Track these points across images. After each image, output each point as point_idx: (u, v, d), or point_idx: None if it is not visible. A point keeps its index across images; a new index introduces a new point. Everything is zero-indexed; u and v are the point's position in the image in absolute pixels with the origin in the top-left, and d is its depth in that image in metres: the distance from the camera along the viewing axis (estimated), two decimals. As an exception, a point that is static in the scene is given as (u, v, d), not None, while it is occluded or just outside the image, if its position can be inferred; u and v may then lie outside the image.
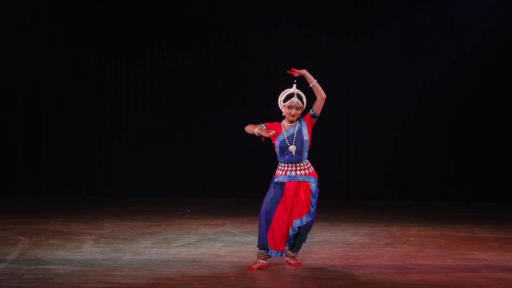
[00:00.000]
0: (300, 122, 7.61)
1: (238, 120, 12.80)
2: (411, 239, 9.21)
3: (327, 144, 12.86)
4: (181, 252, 8.29)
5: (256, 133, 7.52)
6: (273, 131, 7.48)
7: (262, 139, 7.59)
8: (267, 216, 7.47)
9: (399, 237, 9.33)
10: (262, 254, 7.52)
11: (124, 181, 13.10)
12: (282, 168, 7.60)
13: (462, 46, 12.62)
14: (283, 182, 7.56)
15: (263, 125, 7.57)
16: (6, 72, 13.11)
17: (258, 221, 7.58)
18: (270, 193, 7.57)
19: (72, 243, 8.73)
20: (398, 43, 12.73)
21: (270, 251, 7.49)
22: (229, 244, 8.80)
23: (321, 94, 7.61)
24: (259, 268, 7.48)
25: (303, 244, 7.79)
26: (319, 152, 12.88)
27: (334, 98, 12.85)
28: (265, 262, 7.52)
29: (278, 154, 7.63)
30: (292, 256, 7.70)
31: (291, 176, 7.55)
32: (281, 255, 7.56)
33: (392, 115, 12.79)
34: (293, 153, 7.54)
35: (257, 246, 7.56)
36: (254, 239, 9.01)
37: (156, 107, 13.09)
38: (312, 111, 7.61)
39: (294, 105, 7.56)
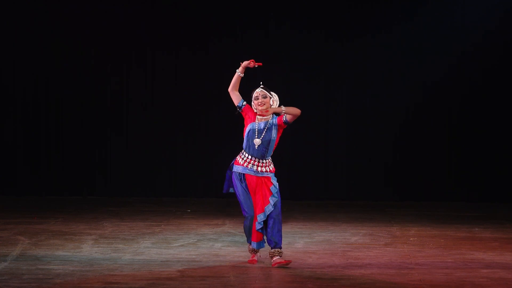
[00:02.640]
0: (272, 119, 7.66)
1: (238, 120, 12.79)
2: (411, 239, 9.21)
3: (327, 144, 12.86)
4: (181, 252, 8.28)
5: (239, 72, 7.66)
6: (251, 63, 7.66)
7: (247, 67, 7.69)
8: (252, 215, 7.59)
9: (399, 237, 9.33)
10: (253, 250, 7.67)
11: (124, 181, 13.10)
12: (244, 159, 7.62)
13: (462, 46, 12.62)
14: (242, 173, 7.59)
15: (243, 102, 7.68)
16: (6, 72, 13.11)
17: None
18: (239, 192, 7.62)
19: (72, 243, 8.73)
20: (398, 43, 12.74)
21: (253, 244, 7.61)
22: (229, 244, 8.80)
23: (295, 114, 7.58)
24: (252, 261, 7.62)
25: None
26: (319, 152, 12.88)
27: (334, 98, 12.89)
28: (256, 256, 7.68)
29: (244, 141, 7.67)
30: (278, 255, 7.61)
31: (251, 170, 7.58)
32: (263, 245, 7.62)
33: (392, 115, 12.79)
34: (256, 146, 7.57)
35: (248, 242, 7.73)
36: (254, 239, 9.01)
37: (156, 107, 13.09)
38: (285, 118, 7.61)
39: (260, 93, 7.66)
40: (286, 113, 7.60)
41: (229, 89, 7.78)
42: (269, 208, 7.54)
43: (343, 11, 12.79)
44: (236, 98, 7.75)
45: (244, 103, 7.73)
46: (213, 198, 12.90)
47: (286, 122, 7.65)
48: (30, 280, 6.90)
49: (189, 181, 13.07)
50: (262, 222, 7.54)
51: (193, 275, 7.14)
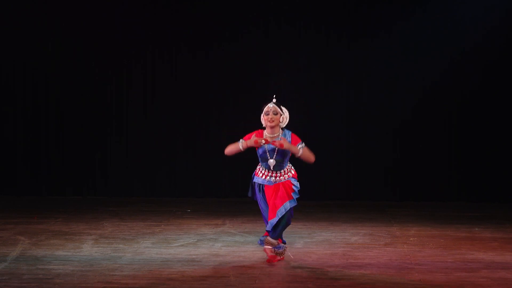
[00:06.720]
0: (284, 134, 7.58)
1: (238, 120, 12.80)
2: (411, 239, 9.21)
3: (327, 144, 12.85)
4: (181, 252, 8.29)
5: (241, 148, 7.47)
6: (263, 141, 7.41)
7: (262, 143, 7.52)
8: (264, 215, 7.63)
9: (399, 237, 9.33)
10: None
11: (124, 181, 13.11)
12: (262, 172, 7.62)
13: (462, 45, 12.62)
14: (262, 184, 7.58)
15: (242, 140, 7.51)
16: (6, 72, 13.11)
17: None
18: (259, 201, 7.64)
19: (72, 243, 8.73)
20: (398, 43, 12.74)
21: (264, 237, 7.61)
22: (229, 244, 8.80)
23: (308, 161, 7.57)
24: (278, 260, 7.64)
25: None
26: (319, 152, 12.84)
27: (334, 98, 12.90)
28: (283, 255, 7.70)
29: (259, 158, 7.64)
30: (271, 244, 7.58)
31: (269, 182, 7.57)
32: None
33: (392, 115, 12.79)
34: (271, 167, 7.53)
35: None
36: (254, 239, 9.01)
37: (156, 107, 13.10)
38: (300, 153, 7.54)
39: (271, 109, 7.53)
40: (300, 157, 7.53)
41: (226, 153, 7.59)
42: (290, 204, 7.51)
43: (343, 12, 12.78)
44: (235, 148, 7.54)
45: (242, 141, 7.52)
46: (213, 198, 12.91)
47: (300, 148, 7.57)
48: (30, 280, 6.90)
49: (189, 181, 13.07)
50: (271, 227, 7.49)
51: (193, 275, 7.14)
